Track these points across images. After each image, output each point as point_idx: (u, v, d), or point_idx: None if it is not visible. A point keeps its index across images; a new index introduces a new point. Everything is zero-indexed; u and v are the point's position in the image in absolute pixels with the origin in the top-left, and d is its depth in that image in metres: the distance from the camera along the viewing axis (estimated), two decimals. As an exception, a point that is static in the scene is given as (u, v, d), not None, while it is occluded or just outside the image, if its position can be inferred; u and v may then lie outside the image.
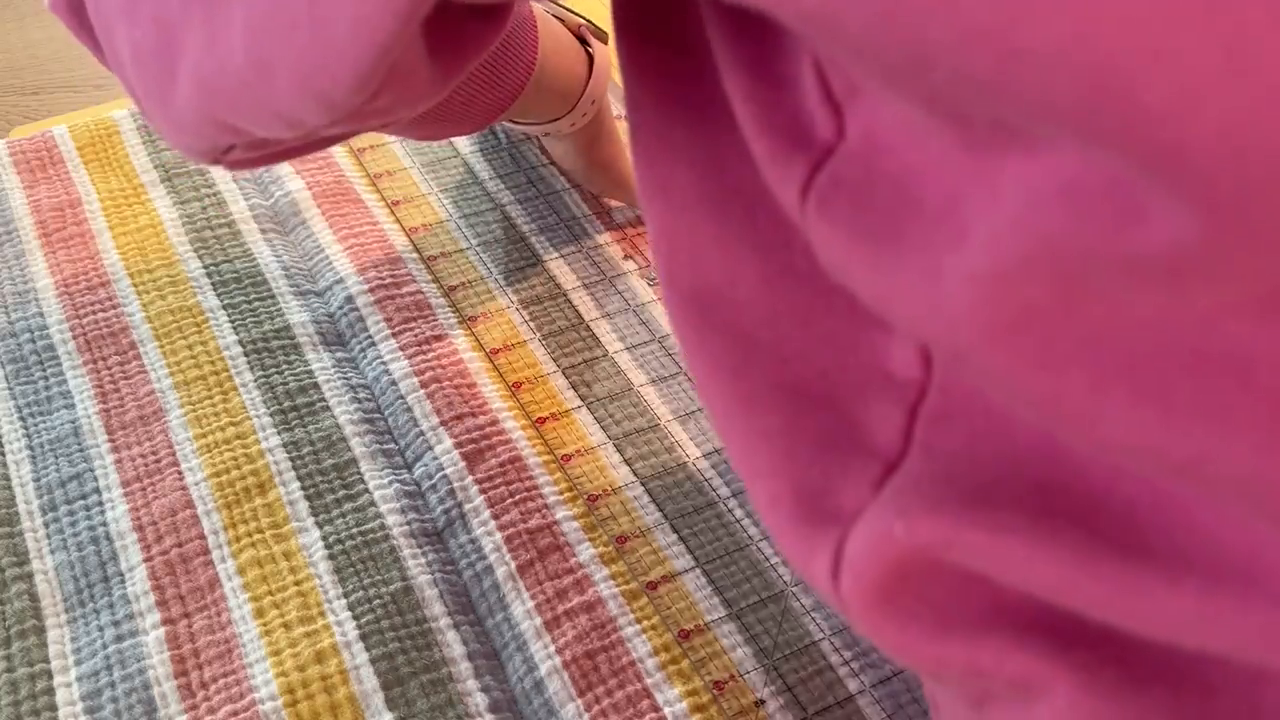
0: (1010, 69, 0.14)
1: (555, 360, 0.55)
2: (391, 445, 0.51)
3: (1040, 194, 0.17)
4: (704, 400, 0.27)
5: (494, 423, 0.51)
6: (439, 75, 0.27)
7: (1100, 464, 0.20)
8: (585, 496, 0.48)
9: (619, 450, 0.51)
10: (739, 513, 0.48)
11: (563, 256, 0.60)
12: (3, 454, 0.50)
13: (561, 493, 0.49)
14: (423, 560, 0.46)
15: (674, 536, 0.47)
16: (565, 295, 0.58)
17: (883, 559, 0.23)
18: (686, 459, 0.50)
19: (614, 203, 0.63)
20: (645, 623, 0.44)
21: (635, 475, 0.49)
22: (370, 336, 0.55)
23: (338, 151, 0.66)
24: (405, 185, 0.64)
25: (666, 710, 0.41)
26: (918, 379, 0.23)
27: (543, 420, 0.51)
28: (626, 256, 0.60)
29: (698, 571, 0.46)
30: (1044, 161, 0.16)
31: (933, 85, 0.16)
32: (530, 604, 0.44)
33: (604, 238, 0.61)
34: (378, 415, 0.52)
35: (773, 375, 0.26)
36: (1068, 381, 0.18)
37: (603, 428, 0.52)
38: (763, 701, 0.42)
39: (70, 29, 0.36)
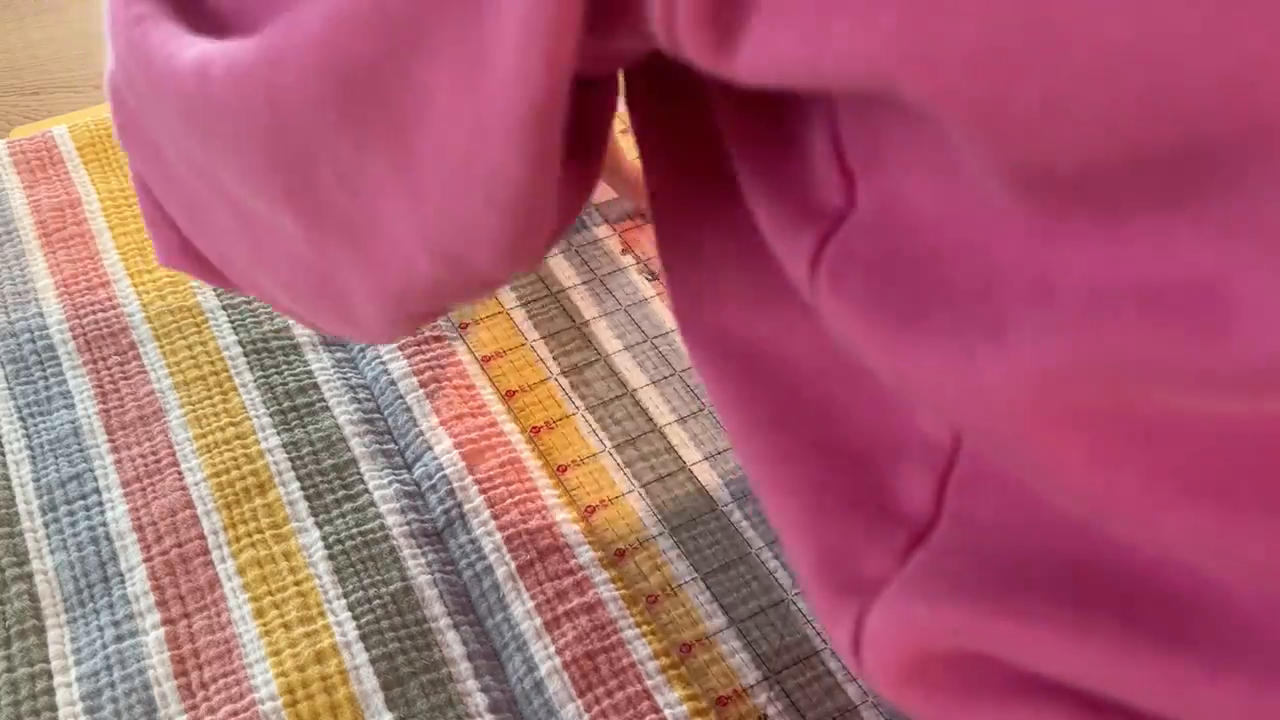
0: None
1: (555, 362, 0.55)
2: (391, 445, 0.51)
3: (1111, 293, 0.16)
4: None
5: (494, 424, 0.51)
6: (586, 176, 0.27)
7: (1140, 544, 0.19)
8: (583, 508, 0.48)
9: (616, 455, 0.51)
10: (737, 515, 0.48)
11: (561, 253, 0.60)
12: (2, 454, 0.50)
13: (560, 495, 0.49)
14: (422, 560, 0.46)
15: (671, 543, 0.47)
16: (565, 292, 0.58)
17: (905, 641, 0.22)
18: (685, 462, 0.50)
19: (608, 196, 0.63)
20: (645, 626, 0.44)
21: (633, 483, 0.49)
22: (370, 337, 0.55)
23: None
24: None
25: (667, 712, 0.41)
26: (948, 443, 0.22)
27: (537, 430, 0.51)
28: (624, 251, 0.60)
29: (698, 580, 0.46)
30: (1124, 253, 0.15)
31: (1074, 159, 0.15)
32: (530, 604, 0.44)
33: (601, 230, 0.61)
34: (377, 415, 0.52)
35: (812, 432, 0.25)
36: (1120, 480, 0.17)
37: (601, 431, 0.52)
38: (765, 718, 0.42)
39: (197, 275, 0.36)
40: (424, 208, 0.23)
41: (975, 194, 0.18)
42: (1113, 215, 0.15)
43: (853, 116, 0.20)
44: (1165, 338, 0.15)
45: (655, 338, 0.55)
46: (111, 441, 0.51)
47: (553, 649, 0.43)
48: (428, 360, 0.54)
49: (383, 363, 0.54)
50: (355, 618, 0.44)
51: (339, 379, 0.53)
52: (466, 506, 0.48)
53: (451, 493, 0.48)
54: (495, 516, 0.47)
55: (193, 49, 0.25)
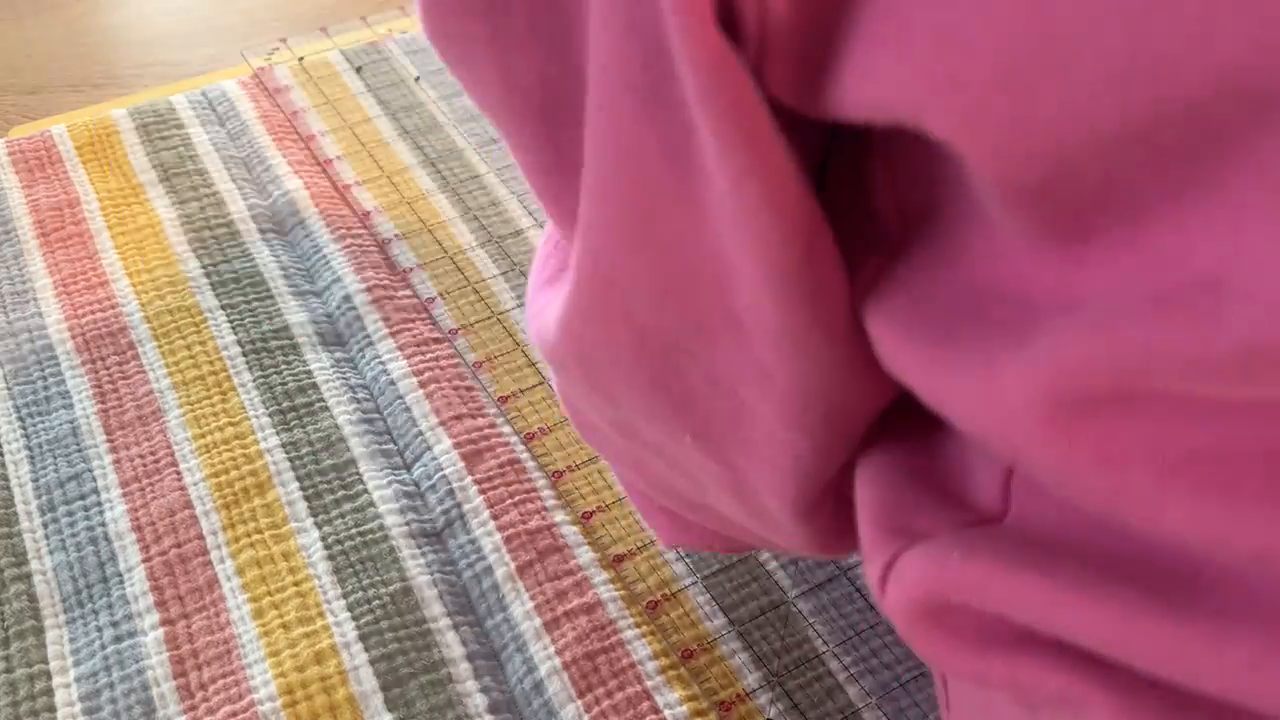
0: None
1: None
2: (390, 445, 0.51)
3: (1129, 298, 0.17)
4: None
5: (493, 424, 0.51)
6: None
7: (1150, 530, 0.20)
8: (580, 513, 0.48)
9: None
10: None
11: (562, 257, 0.60)
12: (1, 454, 0.50)
13: (558, 497, 0.49)
14: (422, 561, 0.46)
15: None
16: (565, 296, 0.58)
17: (929, 583, 0.23)
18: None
19: None
20: (645, 627, 0.44)
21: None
22: (368, 336, 0.55)
23: (337, 151, 0.66)
24: (406, 185, 0.64)
25: (667, 713, 0.41)
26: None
27: (531, 436, 0.51)
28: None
29: (698, 582, 0.46)
30: (1141, 261, 0.17)
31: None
32: (530, 605, 0.44)
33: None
34: (376, 415, 0.52)
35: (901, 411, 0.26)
36: (1129, 478, 0.18)
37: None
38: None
39: (701, 546, 0.41)
40: (772, 379, 0.25)
41: (1003, 229, 0.19)
42: (1132, 226, 0.17)
43: (902, 155, 0.21)
44: (1171, 332, 0.16)
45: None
46: (110, 441, 0.51)
47: (553, 649, 0.43)
48: (427, 360, 0.54)
49: (382, 363, 0.53)
50: (354, 618, 0.44)
51: (338, 379, 0.53)
52: (466, 507, 0.48)
53: (451, 493, 0.48)
54: (495, 517, 0.47)
55: (560, 307, 0.29)
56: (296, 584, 0.45)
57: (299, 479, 0.49)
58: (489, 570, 0.46)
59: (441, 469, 0.49)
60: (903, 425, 0.27)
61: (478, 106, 0.27)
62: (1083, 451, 0.19)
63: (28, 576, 0.46)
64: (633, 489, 0.40)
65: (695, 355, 0.27)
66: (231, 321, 0.56)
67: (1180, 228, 0.16)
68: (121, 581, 0.46)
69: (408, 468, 0.50)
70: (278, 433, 0.51)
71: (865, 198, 0.23)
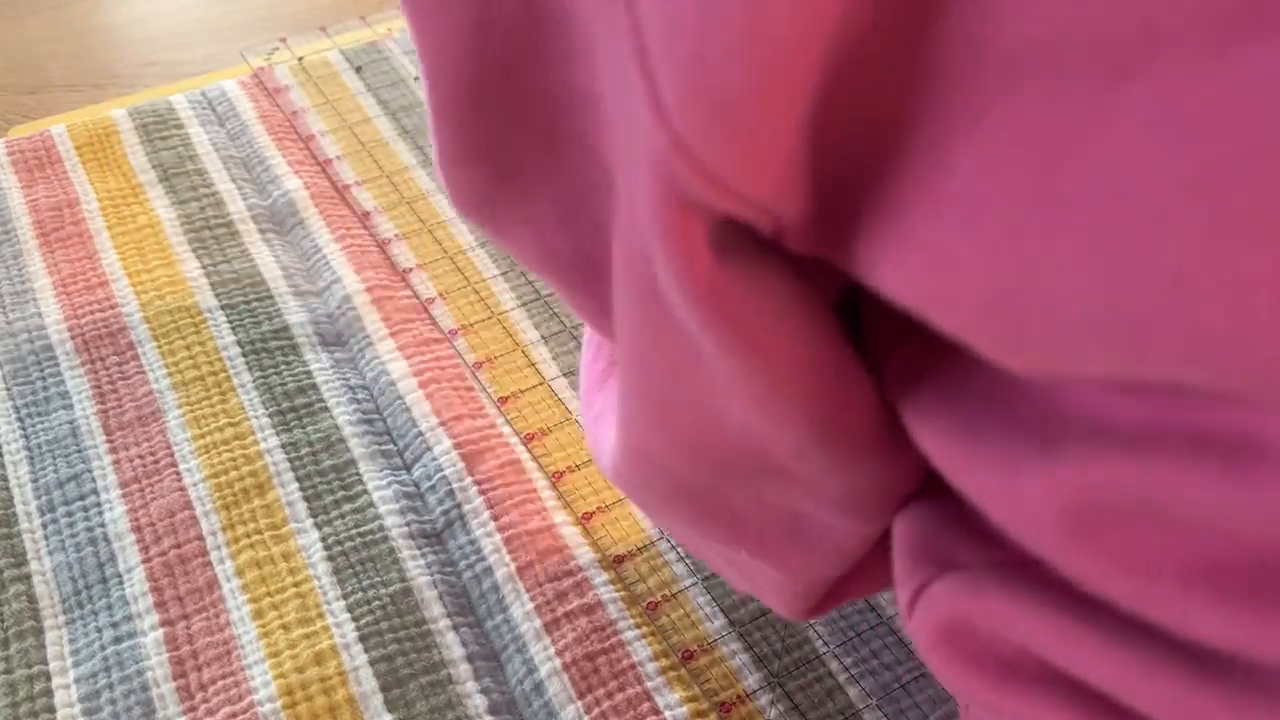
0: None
1: (554, 363, 0.54)
2: (390, 446, 0.51)
3: (1160, 432, 0.17)
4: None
5: (493, 425, 0.51)
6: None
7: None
8: (581, 515, 0.48)
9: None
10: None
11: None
12: (0, 455, 0.50)
13: (558, 497, 0.49)
14: (422, 561, 0.46)
15: (670, 545, 0.47)
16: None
17: (956, 610, 0.23)
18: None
19: None
20: (645, 628, 0.44)
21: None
22: (368, 336, 0.55)
23: (337, 151, 0.66)
24: (406, 185, 0.64)
25: (668, 714, 0.41)
26: None
27: (531, 436, 0.51)
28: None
29: (698, 583, 0.46)
30: (1173, 404, 0.17)
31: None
32: (530, 605, 0.44)
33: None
34: (376, 416, 0.52)
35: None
36: (1155, 586, 0.18)
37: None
38: None
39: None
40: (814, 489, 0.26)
41: None
42: (1153, 396, 0.17)
43: None
44: (1204, 474, 0.16)
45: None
46: (110, 442, 0.50)
47: (553, 650, 0.43)
48: (427, 361, 0.53)
49: (382, 363, 0.53)
50: (354, 619, 0.44)
51: (338, 379, 0.53)
52: (466, 507, 0.47)
53: (451, 494, 0.48)
54: (495, 518, 0.47)
55: (609, 435, 0.31)
56: (296, 585, 0.45)
57: (299, 479, 0.49)
58: (489, 571, 0.45)
59: (441, 469, 0.49)
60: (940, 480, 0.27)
61: (516, 260, 0.28)
62: (1106, 560, 0.19)
63: (27, 577, 0.46)
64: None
65: (740, 493, 0.28)
66: (231, 322, 0.56)
67: (1205, 402, 0.16)
68: (121, 582, 0.46)
69: (408, 468, 0.50)
70: (277, 433, 0.51)
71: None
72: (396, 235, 0.60)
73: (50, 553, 0.47)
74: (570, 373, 0.54)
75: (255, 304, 0.57)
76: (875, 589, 0.35)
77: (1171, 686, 0.19)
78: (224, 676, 0.43)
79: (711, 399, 0.23)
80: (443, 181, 0.26)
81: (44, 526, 0.48)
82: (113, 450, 0.50)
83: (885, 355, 0.23)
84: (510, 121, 0.23)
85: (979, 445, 0.20)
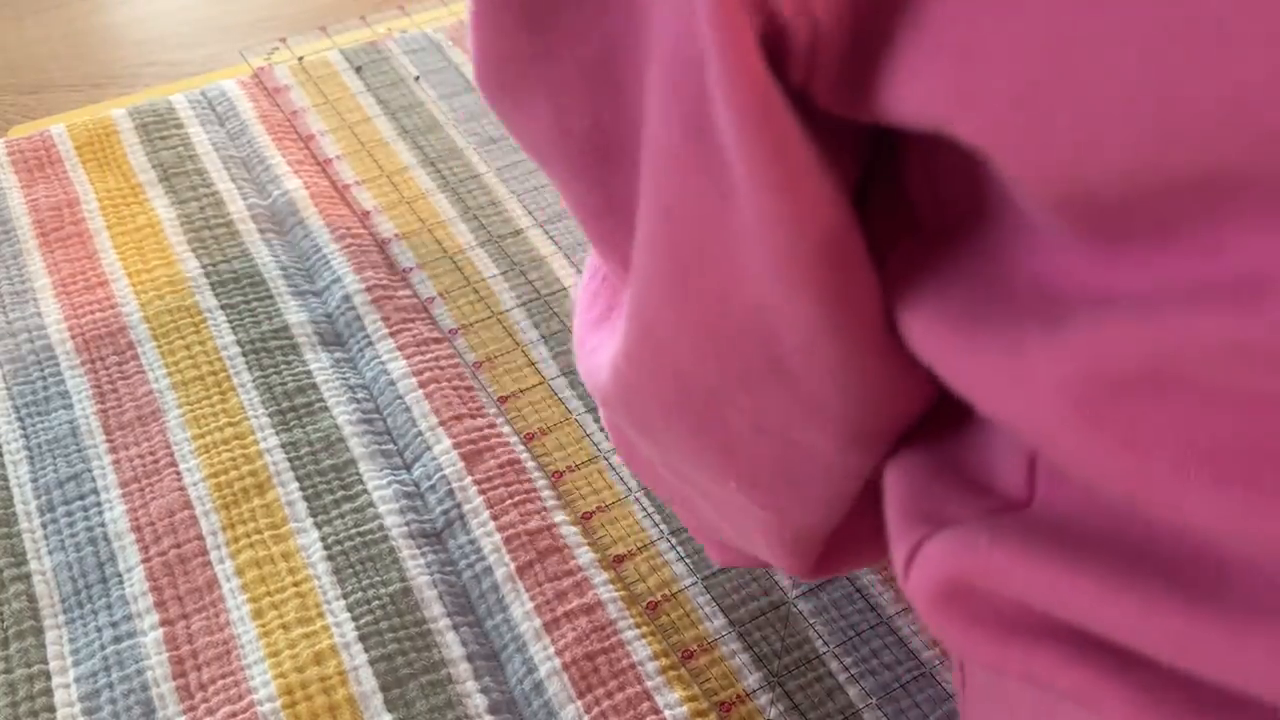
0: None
1: (554, 362, 0.54)
2: (390, 446, 0.51)
3: (1165, 292, 0.17)
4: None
5: (493, 424, 0.51)
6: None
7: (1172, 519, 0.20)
8: (581, 514, 0.48)
9: (613, 457, 0.50)
10: (739, 514, 0.48)
11: (563, 251, 0.60)
12: (0, 454, 0.50)
13: (558, 497, 0.49)
14: (422, 561, 0.46)
15: (670, 545, 0.47)
16: (566, 292, 0.58)
17: (953, 568, 0.23)
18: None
19: None
20: (645, 628, 0.44)
21: (629, 488, 0.49)
22: (368, 336, 0.55)
23: (337, 151, 0.66)
24: (405, 184, 0.64)
25: (668, 713, 0.41)
26: None
27: (531, 436, 0.51)
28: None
29: (697, 583, 0.46)
30: (1177, 262, 0.17)
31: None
32: (530, 605, 0.44)
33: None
34: (376, 415, 0.52)
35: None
36: (1153, 462, 0.18)
37: (600, 433, 0.51)
38: None
39: (742, 563, 0.43)
40: (820, 409, 0.26)
41: (1035, 224, 0.20)
42: (1162, 232, 0.17)
43: (939, 150, 0.22)
44: (1211, 320, 0.16)
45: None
46: (110, 442, 0.50)
47: (552, 650, 0.43)
48: (427, 360, 0.53)
49: (382, 363, 0.53)
50: (354, 619, 0.44)
51: (338, 379, 0.53)
52: (466, 507, 0.47)
53: (451, 493, 0.48)
54: (495, 517, 0.47)
55: (608, 352, 0.30)
56: (296, 584, 0.45)
57: (298, 479, 0.49)
58: (489, 571, 0.45)
59: (441, 469, 0.49)
60: (929, 420, 0.27)
61: (528, 152, 0.27)
62: (1108, 434, 0.19)
63: (27, 577, 0.46)
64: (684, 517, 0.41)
65: (740, 406, 0.27)
66: (231, 321, 0.56)
67: (1215, 232, 0.16)
68: (121, 582, 0.46)
69: (407, 468, 0.50)
70: (277, 433, 0.51)
71: (902, 183, 0.23)
72: (396, 235, 0.60)
73: (50, 552, 0.47)
74: (570, 372, 0.54)
75: (255, 304, 0.57)
76: (867, 560, 0.35)
77: (1171, 621, 0.19)
78: (224, 676, 0.43)
79: (735, 255, 0.23)
80: (474, 47, 0.26)
81: (44, 526, 0.48)
82: (112, 450, 0.50)
83: (883, 258, 0.23)
84: None
85: (980, 330, 0.20)
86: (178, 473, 0.49)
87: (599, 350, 0.33)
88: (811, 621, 0.44)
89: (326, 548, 0.46)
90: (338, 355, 0.55)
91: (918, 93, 0.18)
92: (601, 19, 0.22)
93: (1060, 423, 0.19)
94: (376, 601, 0.44)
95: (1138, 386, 0.18)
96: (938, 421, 0.27)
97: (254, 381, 0.53)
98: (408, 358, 0.53)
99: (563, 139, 0.25)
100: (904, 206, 0.23)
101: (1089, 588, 0.20)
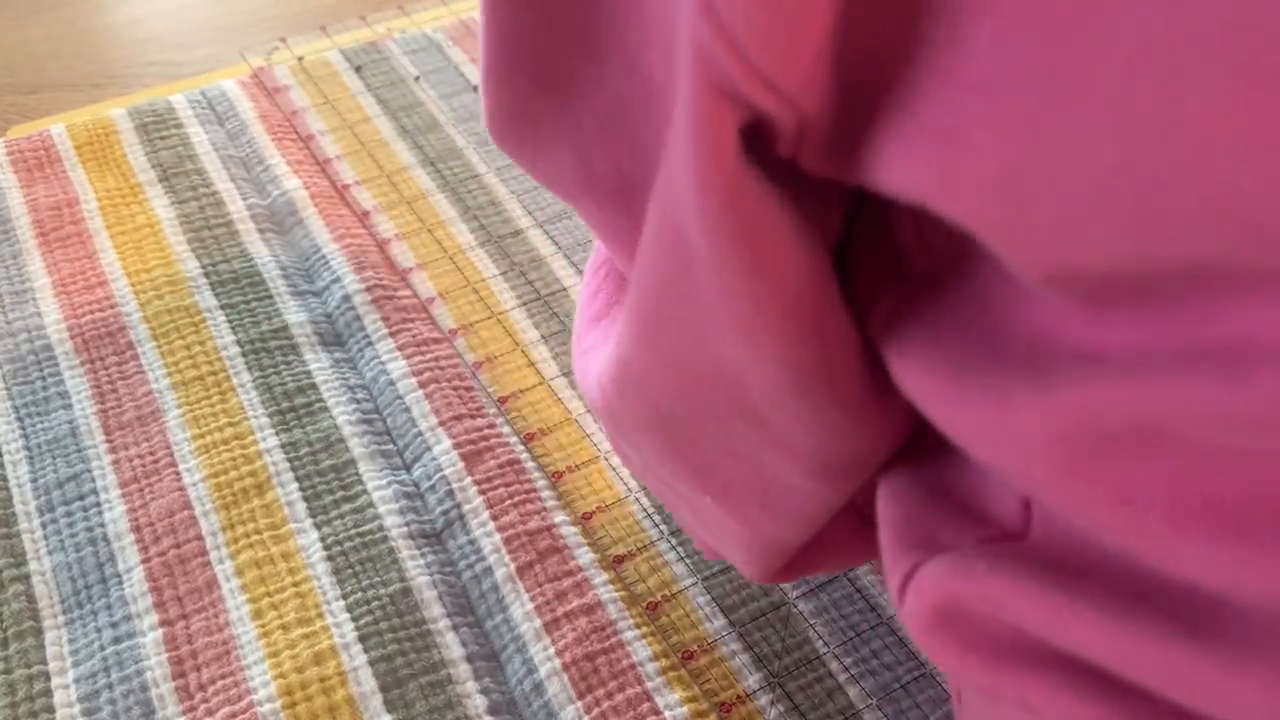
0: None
1: (554, 362, 0.54)
2: (390, 446, 0.51)
3: (1156, 355, 0.17)
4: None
5: (493, 424, 0.51)
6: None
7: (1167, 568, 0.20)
8: (581, 515, 0.48)
9: (613, 458, 0.50)
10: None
11: (563, 251, 0.60)
12: (0, 455, 0.50)
13: (558, 497, 0.49)
14: (421, 561, 0.46)
15: (670, 545, 0.47)
16: (565, 292, 0.58)
17: (948, 592, 0.23)
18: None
19: None
20: (645, 628, 0.44)
21: (629, 488, 0.49)
22: (368, 336, 0.55)
23: (336, 151, 0.66)
24: (405, 184, 0.64)
25: (668, 714, 0.41)
26: None
27: (531, 436, 0.51)
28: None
29: (698, 583, 0.46)
30: (1166, 326, 0.17)
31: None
32: (530, 606, 0.44)
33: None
34: (376, 416, 0.52)
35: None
36: (1145, 520, 0.18)
37: (600, 433, 0.51)
38: None
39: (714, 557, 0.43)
40: (791, 448, 0.26)
41: (1023, 284, 0.20)
42: (1150, 303, 0.17)
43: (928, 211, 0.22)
44: (1200, 387, 0.17)
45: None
46: (109, 442, 0.50)
47: (552, 650, 0.43)
48: (427, 360, 0.53)
49: (381, 363, 0.53)
50: (354, 619, 0.44)
51: (337, 379, 0.53)
52: (466, 507, 0.47)
53: (450, 494, 0.48)
54: (494, 518, 0.47)
55: (598, 363, 0.31)
56: (296, 585, 0.45)
57: (298, 479, 0.49)
58: (489, 571, 0.45)
59: (441, 469, 0.49)
60: (922, 446, 0.27)
61: (552, 189, 0.28)
62: (1099, 491, 0.19)
63: (26, 577, 0.46)
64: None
65: (712, 435, 0.28)
66: (230, 321, 0.56)
67: (1203, 304, 0.16)
68: (120, 582, 0.46)
69: (407, 468, 0.50)
70: (277, 433, 0.51)
71: (891, 232, 0.24)
72: (396, 235, 0.60)
73: (50, 553, 0.47)
74: (570, 373, 0.54)
75: (255, 303, 0.56)
76: (842, 565, 0.35)
77: (1168, 654, 0.19)
78: (223, 676, 0.43)
79: (699, 317, 0.23)
80: (486, 102, 0.26)
81: (43, 526, 0.48)
82: (112, 450, 0.50)
83: (873, 303, 0.24)
84: (555, 26, 0.23)
85: (968, 381, 0.21)
86: (177, 473, 0.49)
87: (591, 352, 0.33)
88: (811, 622, 0.44)
89: (326, 548, 0.46)
90: (337, 355, 0.55)
91: (902, 173, 0.18)
92: (606, 79, 0.23)
93: (1050, 476, 0.19)
94: (376, 602, 0.44)
95: (1127, 444, 0.18)
96: (931, 448, 0.27)
97: (254, 381, 0.53)
98: (407, 358, 0.53)
99: (588, 180, 0.26)
100: (893, 251, 0.24)
101: (1085, 617, 0.20)
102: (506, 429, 0.51)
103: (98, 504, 0.48)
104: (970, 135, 0.16)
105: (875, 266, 0.24)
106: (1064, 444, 0.19)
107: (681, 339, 0.24)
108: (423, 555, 0.46)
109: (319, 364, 0.54)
